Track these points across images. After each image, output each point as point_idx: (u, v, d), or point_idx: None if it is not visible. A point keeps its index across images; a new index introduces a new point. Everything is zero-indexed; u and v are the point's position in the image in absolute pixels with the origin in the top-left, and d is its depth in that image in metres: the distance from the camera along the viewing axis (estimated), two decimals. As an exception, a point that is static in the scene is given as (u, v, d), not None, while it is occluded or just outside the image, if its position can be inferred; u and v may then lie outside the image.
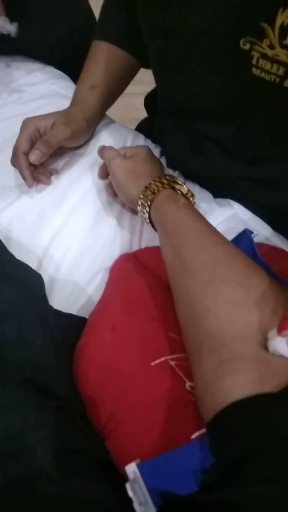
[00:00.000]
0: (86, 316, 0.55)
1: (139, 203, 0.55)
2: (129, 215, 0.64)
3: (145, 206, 0.54)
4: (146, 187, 0.54)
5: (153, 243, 0.62)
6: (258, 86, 0.45)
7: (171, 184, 0.54)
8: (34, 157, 0.57)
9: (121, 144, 0.69)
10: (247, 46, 0.42)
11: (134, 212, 0.63)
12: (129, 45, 0.65)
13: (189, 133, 0.60)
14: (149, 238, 0.63)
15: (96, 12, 0.69)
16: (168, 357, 0.39)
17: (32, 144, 0.60)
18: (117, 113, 1.07)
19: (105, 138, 0.69)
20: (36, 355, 0.39)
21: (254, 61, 0.43)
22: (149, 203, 0.53)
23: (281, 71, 0.42)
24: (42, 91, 0.73)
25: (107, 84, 0.65)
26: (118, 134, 0.70)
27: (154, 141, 0.72)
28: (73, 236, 0.62)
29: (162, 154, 0.71)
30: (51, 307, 0.50)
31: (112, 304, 0.47)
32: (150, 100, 0.78)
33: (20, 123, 0.69)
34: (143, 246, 0.63)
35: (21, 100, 0.72)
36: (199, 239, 0.45)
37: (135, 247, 0.63)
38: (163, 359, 0.39)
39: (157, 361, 0.39)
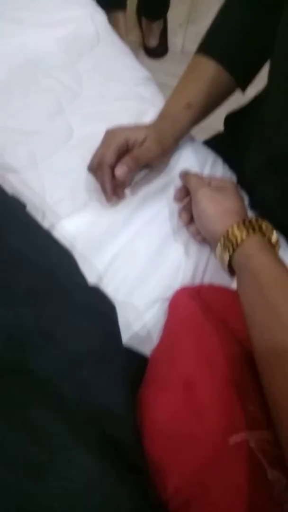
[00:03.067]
0: (136, 345, 0.53)
1: (222, 242, 0.52)
2: (197, 245, 0.61)
3: (228, 248, 0.51)
4: (234, 227, 0.51)
5: (216, 279, 0.60)
6: None
7: (262, 230, 0.51)
8: (120, 172, 0.54)
9: (200, 166, 0.65)
10: None
11: (203, 242, 0.61)
12: (239, 71, 0.61)
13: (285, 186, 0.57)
14: (214, 274, 0.60)
15: None
16: (247, 433, 0.37)
17: (118, 157, 0.56)
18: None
19: (185, 157, 0.65)
20: (112, 406, 0.36)
21: None
22: (234, 245, 0.50)
23: None
24: (126, 92, 0.69)
25: (204, 105, 0.62)
26: (198, 156, 0.66)
27: (231, 166, 0.69)
28: (138, 256, 0.59)
29: (239, 183, 0.67)
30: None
31: (185, 354, 0.44)
32: (232, 120, 0.74)
33: (99, 123, 0.66)
34: (205, 281, 0.60)
35: (104, 98, 0.68)
36: None
37: (197, 280, 0.60)
38: (243, 435, 0.37)
39: (236, 439, 0.36)
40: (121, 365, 0.40)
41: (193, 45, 1.71)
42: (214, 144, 0.74)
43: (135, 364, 0.45)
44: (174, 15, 1.74)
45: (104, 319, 0.42)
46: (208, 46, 0.61)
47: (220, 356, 0.43)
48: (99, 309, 0.43)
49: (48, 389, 0.35)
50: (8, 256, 0.40)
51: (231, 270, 0.54)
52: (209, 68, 0.61)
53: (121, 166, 0.54)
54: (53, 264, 0.44)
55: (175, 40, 1.71)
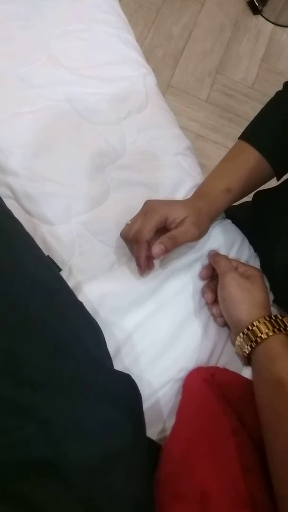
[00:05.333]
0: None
1: (245, 333, 0.53)
2: (216, 327, 0.62)
3: (251, 341, 0.52)
4: (260, 321, 0.52)
5: (231, 364, 0.60)
6: None
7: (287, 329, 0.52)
8: (157, 250, 0.55)
9: (228, 247, 0.67)
10: None
11: (223, 326, 0.62)
12: (280, 164, 0.63)
13: None
14: (229, 358, 0.61)
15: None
16: None
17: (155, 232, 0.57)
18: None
19: (215, 236, 0.66)
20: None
21: None
22: (258, 340, 0.52)
23: None
24: (166, 161, 0.71)
25: (244, 191, 0.64)
26: (228, 236, 0.68)
27: (256, 249, 0.70)
28: (158, 331, 0.59)
29: (262, 267, 0.68)
30: None
31: (201, 460, 0.44)
32: (261, 199, 0.75)
33: (137, 189, 0.67)
34: (220, 364, 0.61)
35: (144, 163, 0.70)
36: None
37: (212, 362, 0.61)
38: None
39: None
40: (146, 463, 0.40)
41: (219, 95, 1.77)
42: (241, 220, 0.75)
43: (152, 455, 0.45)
44: (205, 63, 1.79)
45: (135, 413, 0.42)
46: (254, 138, 0.63)
47: (236, 467, 0.44)
48: (131, 401, 0.43)
49: (76, 490, 0.35)
50: (49, 336, 0.40)
51: (247, 359, 0.55)
52: (252, 158, 0.63)
53: (158, 246, 0.55)
54: (86, 347, 0.44)
55: (202, 87, 1.75)
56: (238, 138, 0.66)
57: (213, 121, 1.75)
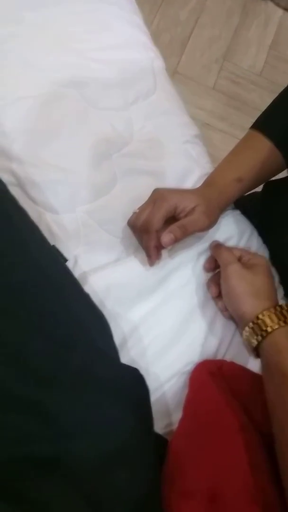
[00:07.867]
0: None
1: (250, 327, 0.52)
2: (223, 320, 0.61)
3: (257, 334, 0.51)
4: (265, 314, 0.51)
5: (238, 358, 0.59)
6: None
7: None
8: (167, 239, 0.53)
9: (237, 238, 0.65)
10: None
11: (230, 319, 0.60)
12: None
13: None
14: (236, 352, 0.60)
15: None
16: None
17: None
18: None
19: (224, 227, 0.65)
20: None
21: None
22: (264, 333, 0.50)
23: None
24: (174, 149, 0.69)
25: (255, 182, 0.62)
26: (237, 227, 0.66)
27: (265, 240, 0.69)
28: (164, 324, 0.58)
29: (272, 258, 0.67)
30: None
31: (209, 458, 0.43)
32: (271, 190, 0.73)
33: (145, 177, 0.65)
34: (227, 357, 0.60)
35: (151, 151, 0.68)
36: None
37: (219, 356, 0.60)
38: None
39: None
40: (152, 459, 0.39)
41: (226, 83, 1.73)
42: (250, 210, 0.72)
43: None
44: (212, 50, 1.75)
45: (142, 408, 0.41)
46: (267, 127, 0.61)
47: (244, 463, 0.43)
48: (138, 396, 0.42)
49: (79, 487, 0.34)
50: (53, 330, 0.39)
51: (256, 351, 0.54)
52: (264, 148, 0.61)
53: (168, 235, 0.53)
54: (93, 340, 0.43)
55: (209, 74, 1.72)
56: (250, 128, 0.64)
57: (220, 109, 1.72)
